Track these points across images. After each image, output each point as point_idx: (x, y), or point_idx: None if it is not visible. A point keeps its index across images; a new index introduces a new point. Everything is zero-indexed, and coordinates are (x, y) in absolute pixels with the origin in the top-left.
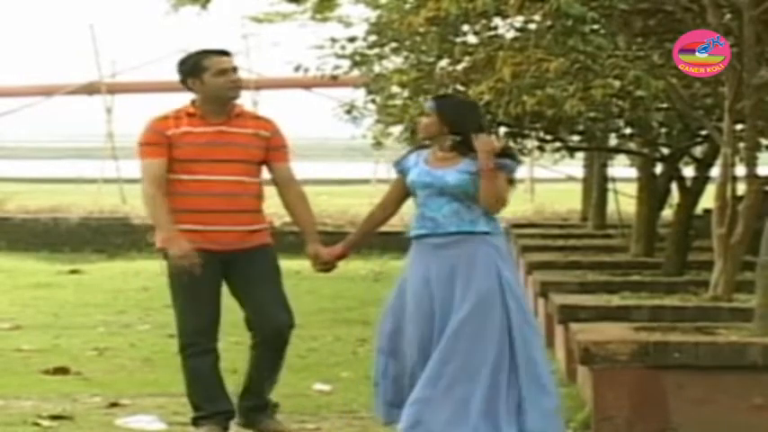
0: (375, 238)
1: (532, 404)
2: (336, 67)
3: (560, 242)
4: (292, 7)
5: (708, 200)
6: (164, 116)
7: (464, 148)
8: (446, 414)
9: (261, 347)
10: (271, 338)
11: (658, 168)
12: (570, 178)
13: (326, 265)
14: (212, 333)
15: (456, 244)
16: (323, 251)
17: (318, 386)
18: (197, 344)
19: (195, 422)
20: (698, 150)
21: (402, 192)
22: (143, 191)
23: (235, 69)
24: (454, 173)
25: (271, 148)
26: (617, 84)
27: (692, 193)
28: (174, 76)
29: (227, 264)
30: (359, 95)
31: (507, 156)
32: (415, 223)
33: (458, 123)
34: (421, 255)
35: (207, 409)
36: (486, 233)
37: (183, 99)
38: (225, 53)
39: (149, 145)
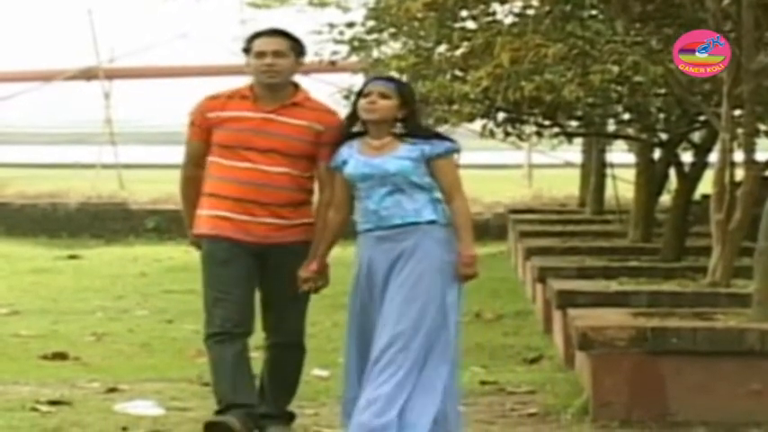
0: None
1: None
2: (335, 53)
3: (558, 228)
4: None
5: (706, 185)
6: (216, 95)
7: (405, 134)
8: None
9: (270, 351)
10: (277, 340)
11: (656, 154)
12: (568, 164)
13: (308, 283)
14: (242, 321)
15: (400, 236)
16: (302, 269)
17: (317, 372)
18: (224, 332)
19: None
20: (696, 136)
21: (348, 189)
22: (181, 170)
23: (276, 53)
24: (393, 160)
25: (320, 144)
26: (615, 69)
27: (690, 178)
28: (173, 62)
29: (261, 257)
30: (357, 81)
31: (441, 138)
32: (360, 217)
33: (413, 107)
34: (365, 247)
35: (227, 400)
36: (433, 222)
37: (183, 85)
38: (276, 33)
39: (191, 125)
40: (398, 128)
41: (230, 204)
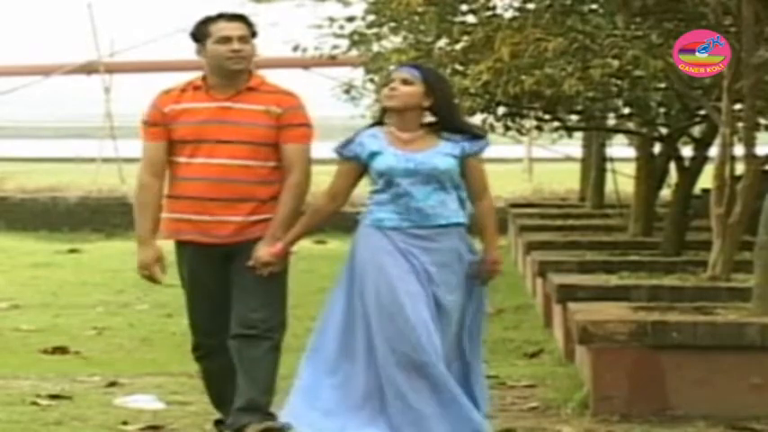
0: None
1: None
2: (335, 47)
3: (559, 222)
4: None
5: (706, 179)
6: (168, 90)
7: (438, 127)
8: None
9: (232, 343)
10: (239, 331)
11: (657, 148)
12: (568, 158)
13: (267, 266)
14: (218, 333)
15: (438, 236)
16: (262, 251)
17: None
18: (203, 345)
19: (216, 425)
20: (696, 130)
21: (355, 180)
22: (137, 176)
23: (242, 38)
24: (441, 156)
25: (281, 126)
26: (615, 63)
27: (690, 172)
28: (173, 56)
29: (230, 256)
30: (357, 75)
31: (475, 136)
32: (390, 214)
33: (443, 98)
34: (393, 243)
35: (222, 413)
36: (462, 224)
37: (183, 79)
38: (236, 18)
39: (148, 125)
40: (427, 118)
41: (189, 205)
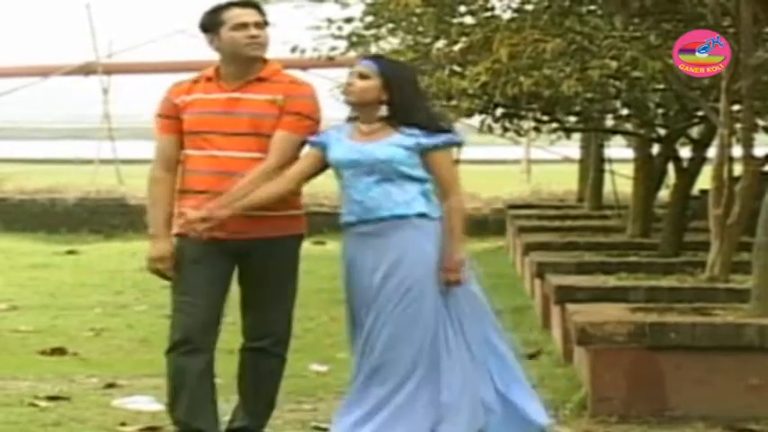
0: None
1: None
2: (333, 48)
3: (557, 223)
4: None
5: (704, 180)
6: (181, 81)
7: (396, 120)
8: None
9: (245, 356)
10: (250, 344)
11: (655, 149)
12: (567, 159)
13: (200, 223)
14: (206, 332)
15: (388, 231)
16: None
17: (315, 367)
18: (188, 342)
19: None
20: (695, 131)
21: (312, 167)
22: (149, 171)
23: (258, 25)
24: (385, 146)
25: (282, 114)
26: (614, 64)
27: (688, 173)
28: (172, 57)
29: (242, 255)
30: None
31: (437, 131)
32: (343, 209)
33: (401, 92)
34: (348, 246)
35: (183, 426)
36: (423, 215)
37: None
38: (250, 5)
39: (160, 117)
40: (383, 111)
41: (197, 198)
